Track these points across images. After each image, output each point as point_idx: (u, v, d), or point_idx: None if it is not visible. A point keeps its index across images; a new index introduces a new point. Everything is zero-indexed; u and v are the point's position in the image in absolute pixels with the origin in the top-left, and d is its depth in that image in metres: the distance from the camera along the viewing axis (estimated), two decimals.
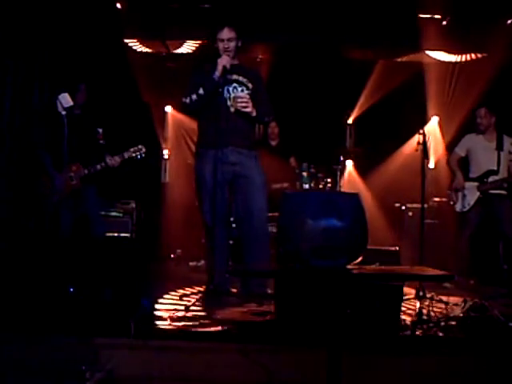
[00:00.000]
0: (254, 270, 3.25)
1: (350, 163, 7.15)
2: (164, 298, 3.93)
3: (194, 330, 3.06)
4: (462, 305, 3.46)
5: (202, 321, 3.20)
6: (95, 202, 4.96)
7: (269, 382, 2.68)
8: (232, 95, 3.98)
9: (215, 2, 5.86)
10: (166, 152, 7.51)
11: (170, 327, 3.08)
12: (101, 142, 4.87)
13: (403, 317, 3.34)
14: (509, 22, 6.01)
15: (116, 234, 6.16)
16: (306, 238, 2.31)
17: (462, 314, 3.35)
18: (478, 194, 5.23)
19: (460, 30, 6.08)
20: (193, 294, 4.15)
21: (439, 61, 6.75)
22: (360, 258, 2.44)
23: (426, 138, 4.45)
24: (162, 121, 7.45)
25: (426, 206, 4.72)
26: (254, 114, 3.97)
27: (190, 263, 6.27)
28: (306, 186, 5.80)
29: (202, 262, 5.94)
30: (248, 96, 3.95)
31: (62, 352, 2.77)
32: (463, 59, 6.72)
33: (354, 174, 7.21)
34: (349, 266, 2.37)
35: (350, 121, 7.29)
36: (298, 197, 2.56)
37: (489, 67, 6.23)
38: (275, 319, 3.15)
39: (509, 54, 5.92)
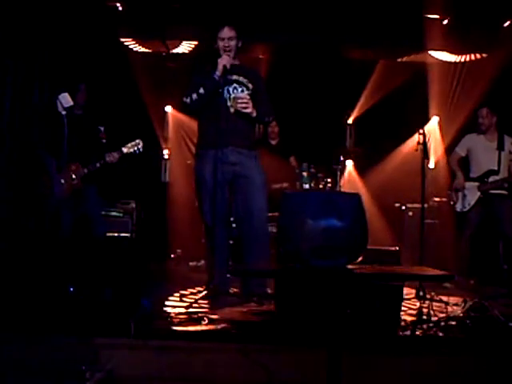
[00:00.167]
0: (254, 270, 3.24)
1: (350, 163, 7.15)
2: (164, 298, 3.93)
3: (193, 329, 3.06)
4: (462, 305, 3.46)
5: (201, 321, 3.19)
6: (96, 202, 4.97)
7: (269, 382, 2.68)
8: (232, 95, 3.98)
9: (216, 2, 5.86)
10: (165, 152, 7.51)
11: (169, 327, 3.08)
12: (103, 141, 4.87)
13: (403, 317, 3.33)
14: (506, 24, 6.02)
15: (116, 234, 6.16)
16: (305, 238, 2.31)
17: (461, 314, 3.35)
18: (479, 193, 5.23)
19: (462, 30, 6.08)
20: (193, 293, 4.15)
21: (441, 61, 6.74)
22: (360, 258, 2.44)
23: (426, 138, 4.45)
24: (162, 121, 7.45)
25: (426, 205, 4.72)
26: (255, 114, 3.97)
27: (190, 263, 6.27)
28: (306, 186, 5.80)
29: (202, 261, 5.94)
30: (248, 97, 3.95)
31: (61, 352, 2.77)
32: (465, 59, 6.72)
33: (354, 173, 7.21)
34: (349, 266, 2.37)
35: (350, 121, 7.29)
36: (298, 197, 2.56)
37: (491, 67, 6.23)
38: (275, 319, 3.15)
39: (510, 54, 5.92)
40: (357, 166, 7.19)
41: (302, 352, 2.81)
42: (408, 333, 3.08)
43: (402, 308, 3.38)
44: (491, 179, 5.23)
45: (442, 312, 3.51)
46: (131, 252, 3.90)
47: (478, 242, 5.39)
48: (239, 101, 3.92)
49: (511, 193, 5.26)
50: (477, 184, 5.26)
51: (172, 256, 6.71)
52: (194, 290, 4.27)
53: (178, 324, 3.14)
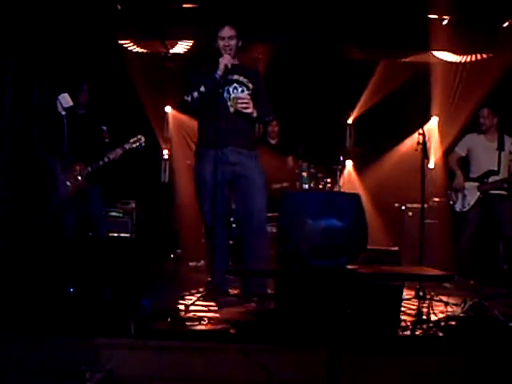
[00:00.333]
0: (254, 270, 3.24)
1: (349, 163, 7.15)
2: (164, 298, 3.92)
3: (193, 329, 3.06)
4: (462, 305, 3.46)
5: (201, 321, 3.19)
6: (100, 203, 4.96)
7: (269, 382, 2.68)
8: (232, 95, 3.98)
9: (216, 2, 5.86)
10: (165, 152, 7.51)
11: (169, 327, 3.08)
12: (106, 140, 4.87)
13: (403, 317, 3.33)
14: (505, 24, 6.02)
15: (116, 234, 6.16)
16: (306, 238, 2.31)
17: (462, 314, 3.35)
18: (478, 194, 5.23)
19: (464, 30, 6.07)
20: (193, 294, 4.15)
21: (443, 61, 6.74)
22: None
23: (426, 138, 4.45)
24: (162, 121, 7.45)
25: (425, 205, 4.72)
26: (255, 114, 3.97)
27: (190, 263, 6.27)
28: (306, 186, 5.80)
29: (202, 262, 5.95)
30: (249, 97, 3.95)
31: (61, 352, 2.77)
32: (467, 60, 6.72)
33: (354, 174, 7.21)
34: (349, 266, 2.37)
35: (350, 121, 7.30)
36: (298, 197, 2.56)
37: (493, 68, 6.23)
38: (275, 319, 3.15)
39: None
40: (356, 166, 7.19)
41: (301, 352, 2.81)
42: (408, 333, 3.08)
43: (402, 308, 3.38)
44: (491, 179, 5.23)
45: (441, 312, 3.51)
46: (131, 252, 3.89)
47: (478, 241, 5.39)
48: (239, 101, 3.92)
49: (511, 193, 5.27)
50: (476, 184, 5.26)
51: (172, 256, 6.71)
52: (194, 290, 4.27)
53: (178, 324, 3.14)
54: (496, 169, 5.23)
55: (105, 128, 4.87)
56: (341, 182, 6.17)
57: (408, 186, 5.86)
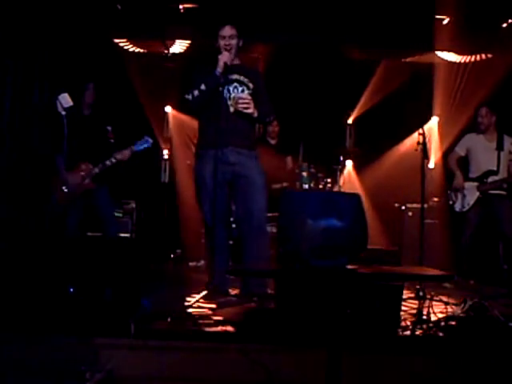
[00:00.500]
0: (254, 270, 3.25)
1: (349, 163, 7.15)
2: (164, 298, 3.92)
3: (193, 329, 3.06)
4: (462, 305, 3.46)
5: (201, 321, 3.19)
6: (108, 203, 4.93)
7: (269, 382, 2.68)
8: (232, 95, 3.98)
9: (216, 2, 5.86)
10: (165, 152, 7.51)
11: (169, 327, 3.08)
12: (111, 140, 4.86)
13: (403, 317, 3.33)
14: (504, 25, 6.02)
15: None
16: (306, 238, 2.31)
17: (462, 314, 3.35)
18: (478, 194, 5.23)
19: (466, 30, 6.07)
20: (193, 294, 4.14)
21: (446, 61, 6.74)
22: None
23: (426, 138, 4.45)
24: (161, 121, 7.45)
25: (425, 206, 4.72)
26: (256, 114, 3.97)
27: (190, 263, 6.27)
28: (306, 186, 5.81)
29: (202, 262, 5.94)
30: (249, 97, 3.95)
31: (61, 352, 2.77)
32: (470, 60, 6.72)
33: (354, 174, 7.22)
34: (349, 266, 2.38)
35: (350, 121, 7.30)
36: (298, 197, 2.56)
37: (495, 68, 6.24)
38: (275, 319, 3.15)
39: None
40: (356, 166, 7.19)
41: (301, 352, 2.81)
42: (408, 333, 3.08)
43: (402, 308, 3.38)
44: (490, 179, 5.23)
45: (441, 312, 3.51)
46: (131, 252, 3.89)
47: (478, 242, 5.39)
48: (240, 101, 3.92)
49: (510, 193, 5.27)
50: (476, 184, 5.26)
51: (172, 256, 6.71)
52: (194, 290, 4.26)
53: (178, 324, 3.14)
54: (495, 169, 5.23)
55: (110, 128, 4.86)
56: (341, 181, 6.17)
57: (408, 186, 5.86)
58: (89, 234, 5.21)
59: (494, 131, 5.34)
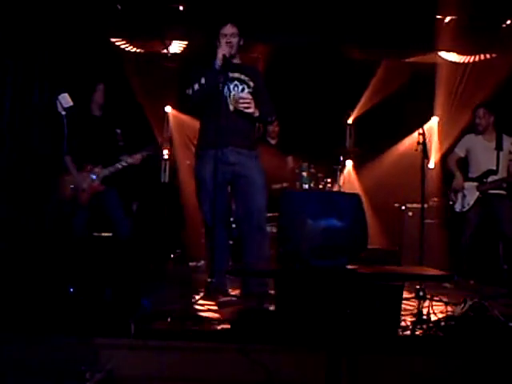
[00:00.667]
0: (254, 269, 3.25)
1: (349, 163, 7.15)
2: (164, 298, 3.92)
3: (194, 329, 3.06)
4: (462, 305, 3.46)
5: (201, 321, 3.19)
6: (118, 204, 4.91)
7: (269, 382, 2.68)
8: (232, 93, 3.98)
9: (216, 2, 5.86)
10: (165, 152, 7.51)
11: (169, 327, 3.08)
12: (120, 143, 4.85)
13: (403, 317, 3.33)
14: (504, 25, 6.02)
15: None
16: (306, 238, 2.32)
17: (461, 314, 3.35)
18: (478, 194, 5.23)
19: (467, 30, 6.07)
20: (193, 293, 4.15)
21: (447, 61, 6.74)
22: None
23: (426, 138, 4.45)
24: (161, 121, 7.45)
25: (425, 206, 4.72)
26: (257, 114, 3.97)
27: (190, 263, 6.27)
28: (306, 186, 5.80)
29: (202, 262, 5.94)
30: (250, 96, 3.94)
31: (62, 352, 2.77)
32: (471, 60, 6.71)
33: (354, 173, 7.22)
34: (349, 266, 2.38)
35: (350, 121, 7.30)
36: (298, 197, 2.56)
37: (496, 69, 6.24)
38: (275, 319, 3.15)
39: None
40: (356, 166, 7.19)
41: (301, 352, 2.81)
42: (408, 333, 3.08)
43: (402, 308, 3.38)
44: (490, 179, 5.23)
45: (441, 312, 3.51)
46: (131, 252, 3.90)
47: (478, 241, 5.39)
48: (241, 101, 3.92)
49: (510, 193, 5.27)
50: (476, 184, 5.26)
51: (172, 256, 6.71)
52: (194, 290, 4.27)
53: (178, 324, 3.14)
54: (495, 168, 5.23)
55: (119, 131, 4.86)
56: (341, 181, 6.17)
57: (408, 186, 5.86)
58: (97, 234, 5.20)
59: (493, 131, 5.34)
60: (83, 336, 2.81)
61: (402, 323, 3.20)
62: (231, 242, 4.69)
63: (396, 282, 3.15)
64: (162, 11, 6.05)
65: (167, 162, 7.54)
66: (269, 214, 4.06)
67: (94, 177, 4.70)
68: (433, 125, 7.12)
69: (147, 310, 3.18)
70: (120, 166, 4.75)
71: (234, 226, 4.82)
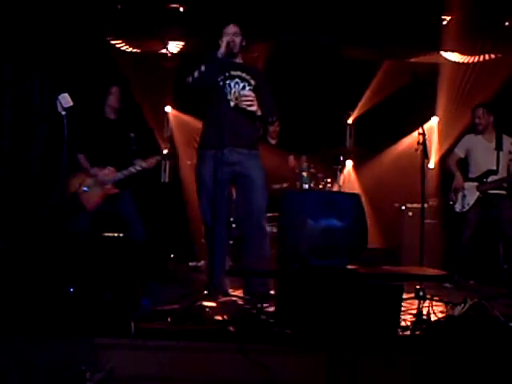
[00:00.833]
0: (254, 270, 3.25)
1: (349, 163, 7.15)
2: (164, 298, 3.92)
3: (194, 329, 3.06)
4: (462, 305, 3.46)
5: (201, 321, 3.19)
6: (132, 206, 4.90)
7: (268, 382, 2.68)
8: (233, 90, 3.98)
9: (216, 2, 5.86)
10: (165, 152, 7.50)
11: (170, 327, 3.08)
12: (133, 147, 4.85)
13: (403, 317, 3.33)
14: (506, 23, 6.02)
15: (116, 234, 6.15)
16: (305, 238, 2.32)
17: (462, 314, 3.35)
18: (478, 194, 5.23)
19: (469, 30, 6.06)
20: (193, 293, 4.14)
21: (449, 61, 6.73)
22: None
23: (426, 138, 4.45)
24: (162, 121, 7.45)
25: (426, 205, 4.72)
26: (259, 113, 3.97)
27: (190, 263, 6.27)
28: (306, 186, 5.80)
29: (202, 262, 5.94)
30: (253, 94, 3.94)
31: (62, 352, 2.77)
32: (473, 60, 6.71)
33: (354, 173, 7.22)
34: (349, 266, 2.38)
35: (350, 121, 7.30)
36: (298, 197, 2.56)
37: (498, 69, 6.24)
38: (275, 319, 3.15)
39: None
40: (356, 166, 7.19)
41: (301, 352, 2.81)
42: (408, 333, 3.08)
43: (402, 308, 3.38)
44: (490, 179, 5.23)
45: (441, 312, 3.51)
46: (131, 252, 3.90)
47: (478, 242, 5.39)
48: (244, 98, 3.91)
49: (510, 193, 5.27)
50: (476, 184, 5.26)
51: (172, 256, 6.71)
52: (194, 290, 4.26)
53: (178, 324, 3.14)
54: (495, 168, 5.23)
55: (133, 135, 4.85)
56: (341, 181, 6.17)
57: (408, 186, 5.86)
58: (109, 234, 5.19)
59: (493, 131, 5.34)
60: (83, 336, 2.81)
61: (402, 323, 3.20)
62: (231, 242, 4.69)
63: (396, 281, 3.15)
64: (161, 11, 6.05)
65: (167, 162, 7.53)
66: (269, 214, 4.06)
67: (106, 180, 4.70)
68: (433, 125, 7.12)
69: (147, 310, 3.18)
70: (134, 170, 4.75)
71: (234, 225, 4.81)
